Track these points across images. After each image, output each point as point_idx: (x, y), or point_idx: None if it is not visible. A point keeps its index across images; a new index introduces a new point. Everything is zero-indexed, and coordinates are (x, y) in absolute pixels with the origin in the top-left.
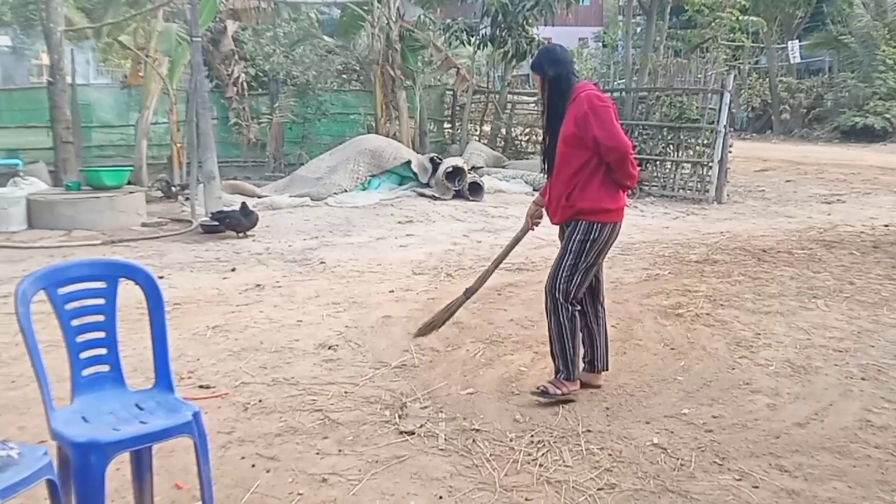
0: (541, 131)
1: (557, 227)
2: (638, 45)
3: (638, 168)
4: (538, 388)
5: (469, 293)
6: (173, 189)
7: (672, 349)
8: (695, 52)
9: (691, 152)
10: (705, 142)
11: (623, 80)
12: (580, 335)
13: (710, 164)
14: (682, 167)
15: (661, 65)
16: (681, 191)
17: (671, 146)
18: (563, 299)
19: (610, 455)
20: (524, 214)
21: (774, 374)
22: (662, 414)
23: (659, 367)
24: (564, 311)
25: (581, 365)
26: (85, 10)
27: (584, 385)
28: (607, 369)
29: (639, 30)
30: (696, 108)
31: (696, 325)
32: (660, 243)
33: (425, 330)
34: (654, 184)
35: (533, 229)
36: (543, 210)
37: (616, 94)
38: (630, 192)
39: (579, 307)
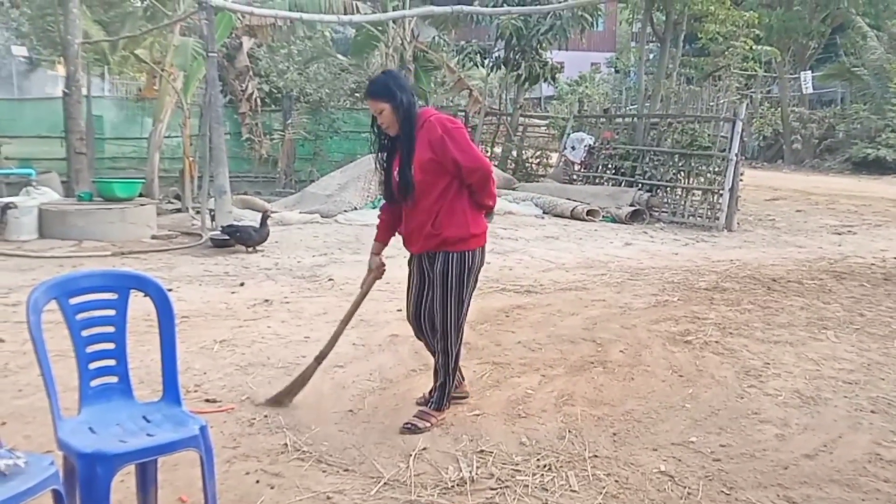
0: (553, 154)
1: (481, 257)
2: (650, 71)
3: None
4: (406, 424)
5: (320, 359)
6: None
7: (680, 376)
8: (707, 80)
9: (702, 179)
10: (716, 169)
11: (635, 106)
12: None
13: (721, 191)
14: (693, 194)
15: (674, 92)
16: (691, 217)
17: (682, 173)
18: (456, 335)
19: (616, 481)
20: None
21: (783, 404)
22: (670, 441)
23: (667, 394)
24: (458, 346)
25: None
26: (102, 23)
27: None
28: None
29: (652, 56)
30: (708, 135)
31: (704, 353)
32: (669, 269)
33: (279, 398)
34: (663, 209)
35: (380, 278)
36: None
37: (628, 120)
38: (490, 214)
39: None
